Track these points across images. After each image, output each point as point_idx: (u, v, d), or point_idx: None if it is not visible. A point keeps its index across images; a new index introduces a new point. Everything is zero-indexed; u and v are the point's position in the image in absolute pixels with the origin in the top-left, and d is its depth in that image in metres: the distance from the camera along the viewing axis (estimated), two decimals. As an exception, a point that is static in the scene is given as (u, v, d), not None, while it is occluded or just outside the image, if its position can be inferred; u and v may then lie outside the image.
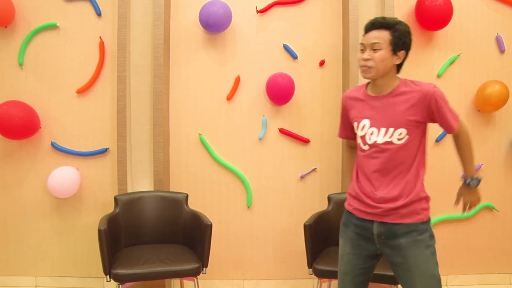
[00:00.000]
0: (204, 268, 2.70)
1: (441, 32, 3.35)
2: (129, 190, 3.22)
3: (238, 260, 3.46)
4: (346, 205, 2.18)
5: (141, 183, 3.31)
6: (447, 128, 2.05)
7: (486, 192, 3.47)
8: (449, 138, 3.39)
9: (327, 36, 3.41)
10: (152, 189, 3.23)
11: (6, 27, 3.26)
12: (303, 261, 2.80)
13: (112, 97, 3.28)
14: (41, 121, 3.28)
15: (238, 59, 3.38)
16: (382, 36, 1.96)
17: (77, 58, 3.32)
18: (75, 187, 3.25)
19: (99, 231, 2.59)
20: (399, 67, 2.05)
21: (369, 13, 3.32)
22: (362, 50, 2.01)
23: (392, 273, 2.52)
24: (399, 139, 1.99)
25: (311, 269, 2.71)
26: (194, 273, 2.64)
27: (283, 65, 3.35)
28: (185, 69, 3.39)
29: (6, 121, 3.08)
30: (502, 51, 3.39)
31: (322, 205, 3.13)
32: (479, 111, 3.40)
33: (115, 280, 2.56)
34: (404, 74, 3.32)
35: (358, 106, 2.10)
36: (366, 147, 2.05)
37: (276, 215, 3.45)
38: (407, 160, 2.02)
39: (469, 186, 2.15)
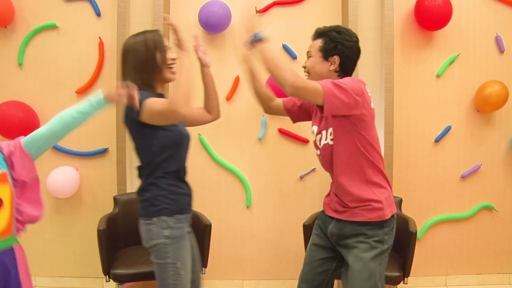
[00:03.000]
0: (203, 268, 2.70)
1: (440, 32, 3.35)
2: (129, 190, 3.22)
3: (237, 260, 3.46)
4: None
5: (141, 183, 3.30)
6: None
7: (486, 192, 3.49)
8: (448, 139, 3.41)
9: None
10: (152, 189, 3.22)
11: (5, 27, 3.27)
12: (303, 261, 2.80)
13: (112, 97, 3.27)
14: (41, 121, 3.28)
15: (237, 59, 3.37)
16: (313, 44, 2.08)
17: (76, 58, 3.32)
18: (74, 187, 3.25)
19: (99, 231, 2.59)
20: (344, 71, 2.06)
21: (369, 14, 3.33)
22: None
23: (394, 273, 2.54)
24: (331, 139, 2.02)
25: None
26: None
27: (282, 65, 3.35)
28: (185, 69, 3.39)
29: (6, 122, 3.08)
30: (501, 51, 3.39)
31: (321, 205, 3.11)
32: (478, 111, 3.40)
33: (114, 280, 2.56)
34: (402, 74, 3.35)
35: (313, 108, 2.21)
36: (318, 152, 2.16)
37: (276, 215, 3.45)
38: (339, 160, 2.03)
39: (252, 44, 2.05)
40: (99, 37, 3.29)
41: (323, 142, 2.05)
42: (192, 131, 3.35)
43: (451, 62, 3.39)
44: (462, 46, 3.39)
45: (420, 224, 2.88)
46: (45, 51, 3.32)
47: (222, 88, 3.38)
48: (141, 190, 2.00)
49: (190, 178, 3.36)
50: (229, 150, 3.41)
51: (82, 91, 3.31)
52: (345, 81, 1.92)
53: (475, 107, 3.40)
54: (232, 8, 3.25)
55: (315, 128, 2.12)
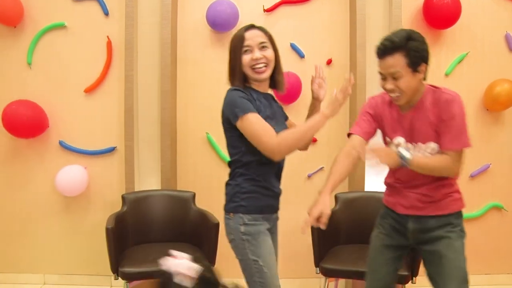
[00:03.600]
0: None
1: (449, 31, 3.33)
2: (137, 189, 3.23)
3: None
4: None
5: (149, 181, 3.32)
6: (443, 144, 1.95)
7: (495, 192, 3.46)
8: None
9: (334, 35, 3.40)
10: (160, 188, 3.24)
11: (15, 27, 3.29)
12: (310, 260, 2.80)
13: (120, 96, 3.29)
14: (49, 120, 3.30)
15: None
16: (397, 62, 1.87)
17: (84, 57, 3.34)
18: (82, 185, 3.27)
19: (107, 229, 2.60)
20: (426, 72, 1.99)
21: (377, 12, 3.31)
22: (383, 79, 1.95)
23: (402, 273, 2.53)
24: (429, 153, 1.98)
25: (318, 268, 2.71)
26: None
27: (290, 64, 3.34)
28: (193, 68, 3.40)
29: (15, 120, 3.11)
30: (511, 49, 3.36)
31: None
32: (487, 110, 3.38)
33: (123, 278, 2.57)
34: None
35: (390, 120, 2.06)
36: None
37: (283, 214, 3.40)
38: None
39: (398, 154, 1.91)
40: (107, 36, 3.31)
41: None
42: (200, 130, 3.40)
43: (460, 61, 3.37)
44: (471, 44, 3.37)
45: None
46: (53, 51, 3.33)
47: (229, 87, 3.38)
48: (226, 184, 2.05)
49: (197, 176, 3.40)
50: (237, 149, 3.40)
51: (90, 90, 3.33)
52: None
53: (484, 106, 3.38)
54: (240, 7, 3.26)
55: (401, 140, 2.03)
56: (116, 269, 2.60)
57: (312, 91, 2.13)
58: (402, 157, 1.88)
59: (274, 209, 2.06)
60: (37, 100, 3.27)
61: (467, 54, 3.36)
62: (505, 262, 3.48)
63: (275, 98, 2.14)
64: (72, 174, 3.24)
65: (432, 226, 2.00)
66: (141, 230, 2.96)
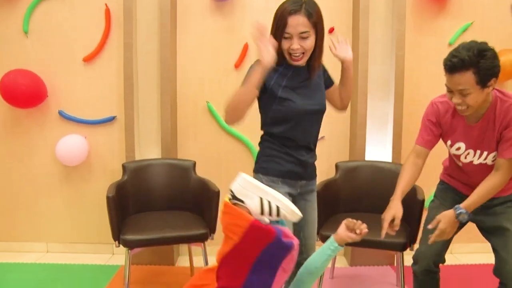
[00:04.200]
0: (211, 234, 2.73)
1: (453, 0, 3.27)
2: (137, 158, 3.23)
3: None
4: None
5: (149, 150, 3.32)
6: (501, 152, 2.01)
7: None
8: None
9: (336, 3, 3.34)
10: (160, 157, 3.24)
11: (11, -7, 3.23)
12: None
13: (119, 65, 3.26)
14: (48, 89, 3.28)
15: (246, 27, 3.32)
16: (466, 81, 1.83)
17: (83, 25, 3.29)
18: (83, 155, 3.27)
19: (108, 198, 2.61)
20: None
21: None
22: (450, 91, 1.93)
23: (400, 240, 2.56)
24: (493, 161, 2.04)
25: (318, 236, 2.72)
26: (202, 239, 2.67)
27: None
28: (193, 37, 3.35)
29: (13, 90, 3.08)
30: (516, 18, 3.31)
31: (329, 173, 3.12)
32: (490, 79, 3.35)
33: (124, 245, 2.59)
34: (414, 41, 3.29)
35: (451, 125, 2.09)
36: (460, 163, 2.16)
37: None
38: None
39: (457, 218, 2.00)
40: (106, 4, 3.25)
41: (479, 161, 2.08)
42: (200, 99, 3.38)
43: (464, 30, 3.32)
44: (476, 14, 3.32)
45: (428, 192, 2.86)
46: (51, 19, 3.28)
47: (231, 55, 3.35)
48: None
49: (198, 145, 3.40)
50: (237, 118, 3.39)
51: (89, 59, 3.29)
52: None
53: (487, 76, 3.35)
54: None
55: (462, 145, 2.08)
56: (117, 236, 2.62)
57: (336, 55, 2.12)
58: (462, 219, 1.98)
59: (298, 176, 2.05)
60: (35, 69, 3.24)
61: (471, 23, 3.31)
62: None
63: (314, 69, 2.06)
64: (72, 144, 3.24)
65: (495, 203, 2.10)
66: (141, 199, 2.97)
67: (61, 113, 3.33)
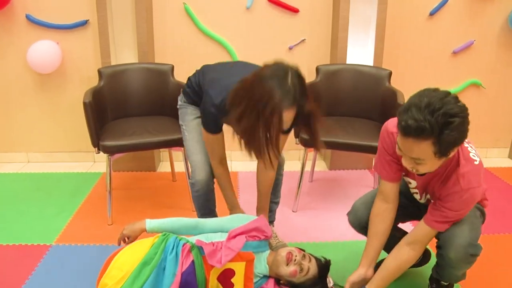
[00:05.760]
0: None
1: None
2: (113, 63, 3.13)
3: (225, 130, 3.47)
4: None
5: (125, 55, 3.20)
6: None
7: (475, 69, 3.48)
8: (444, 12, 3.29)
9: None
10: (137, 61, 3.14)
11: None
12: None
13: (88, -37, 3.04)
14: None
15: None
16: (422, 151, 1.48)
17: None
18: (56, 61, 3.16)
19: (84, 104, 2.54)
20: None
21: None
22: (400, 150, 1.57)
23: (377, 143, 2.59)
24: None
25: (297, 139, 2.74)
26: (182, 144, 2.65)
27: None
28: None
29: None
30: None
31: (310, 77, 3.08)
32: (477, -21, 3.24)
33: (104, 151, 2.57)
34: (394, 12, 3.13)
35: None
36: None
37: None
38: None
39: None
40: None
41: (423, 199, 1.88)
42: (177, 0, 3.22)
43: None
44: None
45: (408, 97, 2.87)
46: None
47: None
48: None
49: (175, 49, 3.28)
50: (216, 20, 3.26)
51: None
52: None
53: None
54: None
55: (414, 184, 1.83)
56: (96, 143, 2.59)
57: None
58: None
59: None
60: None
61: None
62: (477, 137, 3.59)
63: None
64: (44, 50, 3.11)
65: None
66: (119, 105, 2.91)
67: (28, 17, 3.15)
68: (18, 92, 3.34)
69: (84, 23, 3.18)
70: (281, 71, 1.66)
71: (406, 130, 1.46)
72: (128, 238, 1.92)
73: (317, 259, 1.92)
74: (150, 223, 1.89)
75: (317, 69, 3.00)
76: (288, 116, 1.68)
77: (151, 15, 3.20)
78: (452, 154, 1.53)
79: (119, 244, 1.92)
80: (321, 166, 3.52)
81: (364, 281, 1.83)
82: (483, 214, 1.88)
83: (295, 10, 3.25)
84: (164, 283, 1.69)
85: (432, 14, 3.30)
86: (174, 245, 1.76)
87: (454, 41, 3.40)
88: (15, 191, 3.03)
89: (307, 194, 3.03)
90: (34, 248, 2.38)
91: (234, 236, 1.84)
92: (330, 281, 1.91)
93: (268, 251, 1.95)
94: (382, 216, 1.83)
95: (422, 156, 1.50)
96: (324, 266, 1.91)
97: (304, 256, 1.88)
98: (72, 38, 3.23)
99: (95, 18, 3.11)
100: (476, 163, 1.63)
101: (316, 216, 2.76)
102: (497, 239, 2.52)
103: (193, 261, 1.75)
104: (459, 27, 3.37)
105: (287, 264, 1.84)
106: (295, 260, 1.83)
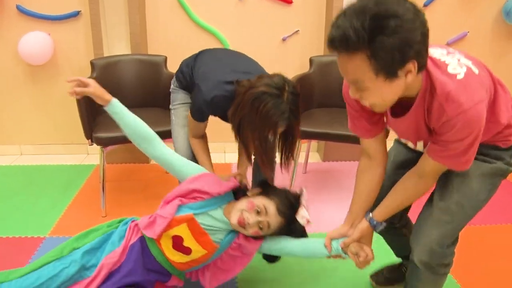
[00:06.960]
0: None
1: None
2: (106, 54, 3.11)
3: (218, 122, 3.46)
4: None
5: (118, 46, 3.18)
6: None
7: (469, 59, 3.46)
8: (438, 3, 3.28)
9: None
10: (129, 53, 3.12)
11: None
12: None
13: (79, -47, 3.01)
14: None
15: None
16: (357, 68, 1.17)
17: None
18: (48, 53, 3.14)
19: (77, 95, 2.53)
20: (422, 65, 1.22)
21: None
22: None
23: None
24: None
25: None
26: (175, 135, 2.65)
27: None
28: None
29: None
30: None
31: (303, 68, 3.08)
32: (471, -31, 3.23)
33: (97, 143, 2.57)
34: None
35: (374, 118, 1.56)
36: None
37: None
38: None
39: (375, 229, 1.66)
40: None
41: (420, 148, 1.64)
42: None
43: None
44: None
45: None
46: None
47: None
48: None
49: (168, 40, 3.27)
50: (209, 11, 3.25)
51: None
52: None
53: (467, -35, 3.23)
54: None
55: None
56: (89, 135, 2.58)
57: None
58: (375, 226, 1.64)
59: None
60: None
61: None
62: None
63: None
64: (35, 41, 3.08)
65: None
66: (112, 96, 2.89)
67: (19, 8, 3.12)
68: (9, 84, 3.31)
69: (76, 14, 3.15)
70: (277, 90, 1.71)
71: (331, 44, 1.16)
72: (83, 87, 1.85)
73: (277, 206, 1.72)
74: (117, 101, 1.86)
75: (311, 60, 3.00)
76: (280, 130, 1.78)
77: (143, 6, 3.18)
78: (407, 74, 1.18)
79: (71, 94, 1.87)
80: (314, 157, 3.53)
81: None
82: (495, 176, 1.53)
83: (288, 1, 3.24)
84: (106, 248, 1.72)
85: (426, 5, 3.29)
86: (126, 223, 1.82)
87: (448, 32, 3.40)
88: (8, 184, 3.02)
89: (301, 186, 3.03)
90: (28, 240, 2.38)
91: (168, 202, 1.77)
92: (303, 216, 1.77)
93: (223, 206, 1.80)
94: (368, 172, 1.64)
95: (360, 77, 1.19)
96: (288, 211, 1.75)
97: (258, 212, 1.69)
98: (63, 29, 3.20)
99: (87, 9, 3.09)
100: (460, 76, 1.26)
101: (309, 207, 2.76)
102: (496, 229, 2.55)
103: (142, 236, 1.75)
104: (452, 18, 3.37)
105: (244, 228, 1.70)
106: (248, 224, 1.68)
